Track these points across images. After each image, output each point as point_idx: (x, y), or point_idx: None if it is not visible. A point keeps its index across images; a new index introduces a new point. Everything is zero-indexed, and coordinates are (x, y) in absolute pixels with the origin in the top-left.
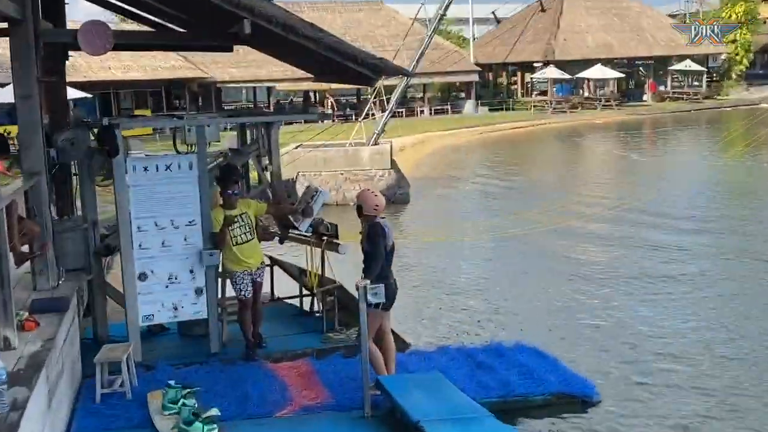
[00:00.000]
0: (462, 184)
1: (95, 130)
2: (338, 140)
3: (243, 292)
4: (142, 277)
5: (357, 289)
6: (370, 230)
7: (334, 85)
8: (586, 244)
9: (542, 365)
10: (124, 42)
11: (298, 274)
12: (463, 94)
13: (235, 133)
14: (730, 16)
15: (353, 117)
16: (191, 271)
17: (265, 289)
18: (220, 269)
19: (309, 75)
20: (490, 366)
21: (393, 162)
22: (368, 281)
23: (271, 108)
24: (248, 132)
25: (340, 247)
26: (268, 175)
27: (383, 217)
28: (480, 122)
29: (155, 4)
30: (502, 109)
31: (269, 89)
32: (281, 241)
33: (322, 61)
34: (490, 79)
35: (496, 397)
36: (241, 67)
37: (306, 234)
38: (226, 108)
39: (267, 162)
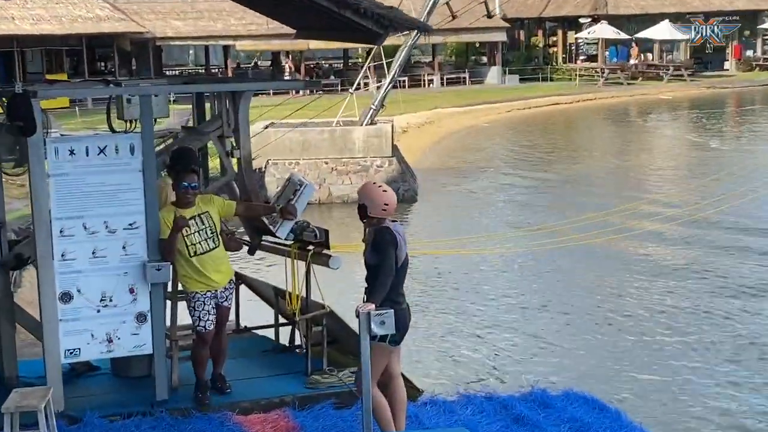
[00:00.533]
0: (484, 179)
1: (2, 100)
2: (322, 118)
3: (203, 322)
4: (66, 298)
5: (357, 316)
6: (378, 237)
7: (313, 45)
8: (646, 269)
9: (601, 420)
10: None
11: (273, 296)
12: (485, 59)
13: (189, 106)
14: None
15: (339, 87)
16: (132, 291)
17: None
18: (170, 288)
19: (281, 31)
20: (532, 421)
21: (395, 148)
22: (373, 306)
23: (230, 73)
24: (208, 105)
25: (331, 260)
26: (234, 162)
27: (394, 220)
28: (507, 96)
29: None
30: (537, 80)
31: (226, 49)
32: (251, 252)
33: (309, 11)
34: (521, 40)
35: None
36: (189, 19)
37: (286, 242)
38: (168, 73)
39: (233, 145)
